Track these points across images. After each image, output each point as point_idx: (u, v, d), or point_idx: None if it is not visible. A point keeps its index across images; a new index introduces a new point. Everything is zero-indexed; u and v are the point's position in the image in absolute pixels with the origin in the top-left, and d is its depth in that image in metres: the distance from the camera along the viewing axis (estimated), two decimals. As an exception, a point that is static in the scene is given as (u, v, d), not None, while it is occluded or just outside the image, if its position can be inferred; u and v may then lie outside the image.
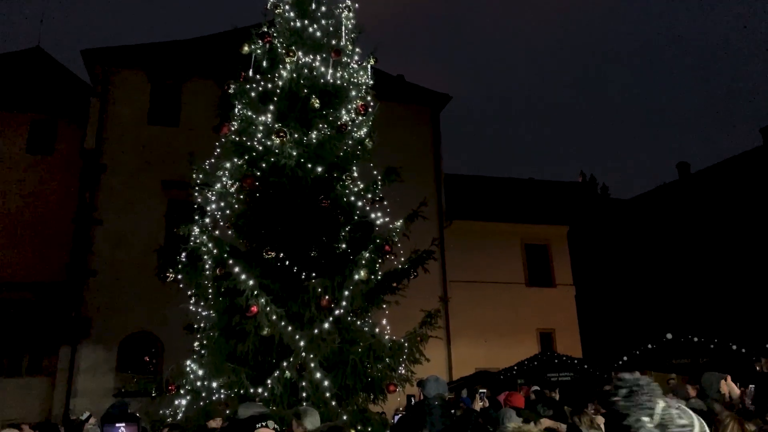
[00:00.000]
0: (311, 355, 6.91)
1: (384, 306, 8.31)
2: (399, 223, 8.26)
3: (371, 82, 9.08)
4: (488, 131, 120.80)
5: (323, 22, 8.97)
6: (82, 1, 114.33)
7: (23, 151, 20.19)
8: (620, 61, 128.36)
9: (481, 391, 8.52)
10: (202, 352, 7.79)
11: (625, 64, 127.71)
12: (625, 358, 14.88)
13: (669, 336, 14.11)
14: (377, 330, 7.92)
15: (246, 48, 8.62)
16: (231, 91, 8.56)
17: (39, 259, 19.27)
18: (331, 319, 7.21)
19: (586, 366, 16.85)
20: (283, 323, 6.90)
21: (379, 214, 8.35)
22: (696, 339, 13.67)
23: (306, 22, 8.86)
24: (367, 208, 8.44)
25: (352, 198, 8.34)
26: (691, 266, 25.51)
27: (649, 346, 14.55)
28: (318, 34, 8.84)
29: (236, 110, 8.48)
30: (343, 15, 9.06)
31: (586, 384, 15.38)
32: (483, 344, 20.91)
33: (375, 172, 8.84)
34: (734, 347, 12.69)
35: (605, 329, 25.90)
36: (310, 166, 7.99)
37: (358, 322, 7.90)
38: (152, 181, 18.34)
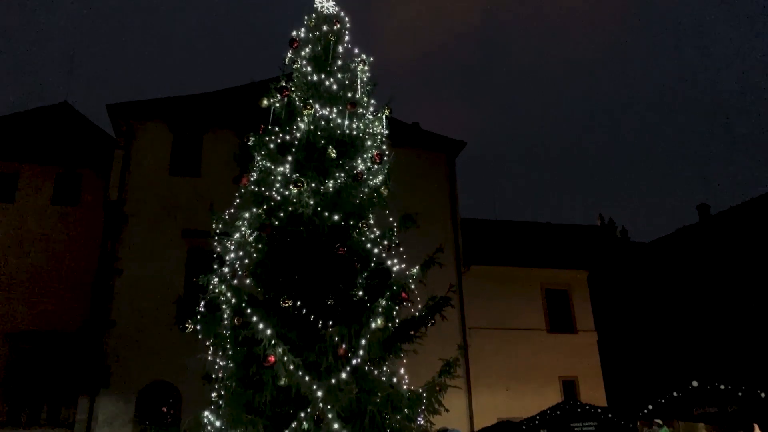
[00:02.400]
0: (329, 406, 6.84)
1: (401, 355, 8.23)
2: (415, 270, 8.26)
3: (386, 131, 9.28)
4: (505, 174, 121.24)
5: (339, 75, 9.25)
6: (108, 57, 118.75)
7: (49, 202, 20.71)
8: (638, 103, 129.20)
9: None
10: (220, 402, 7.75)
11: (643, 105, 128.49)
12: (650, 407, 14.49)
13: (695, 383, 13.75)
14: (395, 379, 7.83)
15: (265, 101, 8.89)
16: (250, 143, 8.79)
17: (60, 308, 19.51)
18: (348, 368, 7.16)
19: (610, 415, 16.40)
20: (300, 373, 6.87)
21: (395, 261, 8.37)
22: (723, 386, 13.29)
23: (323, 75, 9.14)
24: (384, 255, 8.47)
25: (369, 245, 8.39)
26: (716, 310, 24.96)
27: (675, 394, 14.17)
28: (334, 87, 9.10)
29: (255, 161, 8.69)
30: (358, 69, 9.35)
31: (611, 434, 14.93)
32: (504, 393, 20.50)
33: (391, 219, 8.92)
34: (763, 395, 12.31)
35: (629, 376, 25.26)
36: (327, 214, 8.10)
37: (376, 372, 7.82)
38: (173, 231, 18.62)
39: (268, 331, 6.88)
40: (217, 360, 8.04)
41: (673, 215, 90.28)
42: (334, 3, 9.82)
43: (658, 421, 14.68)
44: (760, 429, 10.79)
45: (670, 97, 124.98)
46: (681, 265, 27.67)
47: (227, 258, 8.16)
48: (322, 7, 9.73)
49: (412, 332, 8.25)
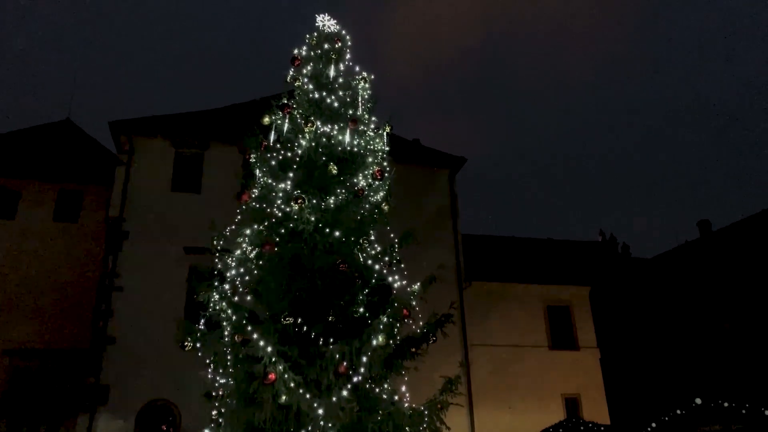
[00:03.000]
0: (330, 424, 6.80)
1: (403, 372, 8.19)
2: (417, 286, 8.25)
3: (387, 147, 9.32)
4: (506, 190, 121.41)
5: (341, 93, 9.32)
6: (111, 73, 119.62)
7: (50, 219, 20.72)
8: (639, 119, 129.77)
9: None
10: (220, 420, 7.69)
11: (643, 121, 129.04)
12: (653, 425, 14.36)
13: (698, 401, 13.64)
14: (396, 397, 7.79)
15: (267, 119, 8.95)
16: (252, 159, 8.82)
17: (60, 325, 19.44)
18: (349, 386, 7.12)
19: (614, 433, 16.24)
20: (301, 391, 6.83)
21: (396, 277, 8.36)
22: (726, 404, 13.18)
23: (324, 93, 9.22)
24: (385, 271, 8.45)
25: (370, 261, 8.39)
26: (718, 326, 24.84)
27: (678, 411, 14.05)
28: (336, 104, 9.17)
29: (257, 178, 8.72)
30: (359, 86, 9.43)
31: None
32: (507, 410, 20.32)
33: (392, 235, 8.92)
34: (767, 412, 12.20)
35: (632, 394, 25.05)
36: (328, 230, 8.11)
37: (377, 389, 7.77)
38: (174, 247, 18.59)
39: (269, 349, 6.85)
40: (217, 378, 8.00)
41: (674, 231, 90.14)
42: (335, 22, 9.93)
43: None
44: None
45: (671, 112, 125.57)
46: (682, 281, 27.59)
47: (228, 275, 8.15)
48: (324, 25, 9.83)
49: (414, 349, 8.22)
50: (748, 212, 29.38)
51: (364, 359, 7.20)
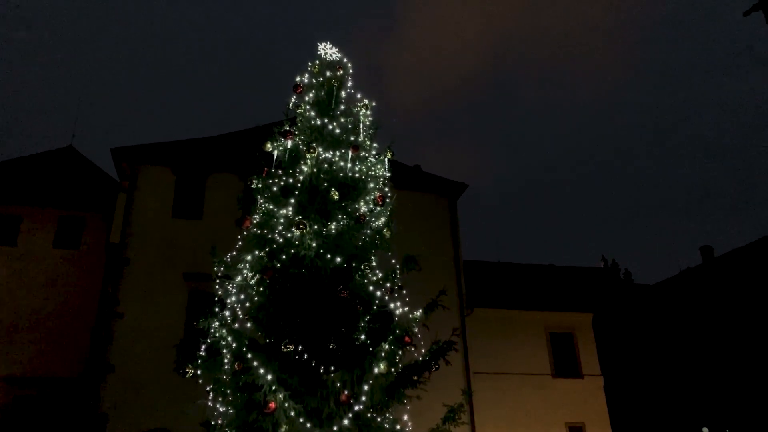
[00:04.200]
0: (331, 454, 6.68)
1: (405, 401, 8.07)
2: (419, 313, 8.18)
3: (389, 173, 9.34)
4: (508, 216, 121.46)
5: (342, 119, 9.39)
6: (113, 101, 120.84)
7: (50, 245, 20.69)
8: (641, 145, 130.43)
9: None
10: (219, 450, 7.56)
11: (645, 147, 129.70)
12: (661, 454, 14.09)
13: (706, 430, 13.41)
14: (398, 426, 7.66)
15: (269, 145, 9.00)
16: (253, 186, 8.83)
17: (59, 353, 19.27)
18: (350, 415, 7.01)
19: (620, 463, 15.95)
20: (301, 420, 6.73)
21: (398, 304, 8.29)
22: (735, 433, 12.96)
23: (326, 120, 9.28)
24: (386, 297, 8.39)
25: (371, 287, 8.33)
26: (722, 353, 24.58)
27: (686, 440, 13.80)
28: (337, 131, 9.22)
29: (258, 204, 8.72)
30: (360, 113, 9.49)
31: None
32: (510, 439, 20.00)
33: (394, 261, 8.88)
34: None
35: (638, 422, 24.68)
36: (329, 256, 8.07)
37: (379, 419, 7.65)
38: (174, 274, 18.53)
39: (269, 377, 6.77)
40: (217, 406, 7.88)
41: (676, 257, 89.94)
42: (337, 50, 10.04)
43: None
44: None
45: (673, 138, 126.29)
46: (685, 308, 27.40)
47: (228, 301, 8.09)
48: (326, 53, 9.94)
49: (416, 377, 8.10)
50: (751, 238, 29.34)
51: (366, 387, 7.10)
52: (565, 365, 22.39)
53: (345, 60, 9.93)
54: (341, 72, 9.74)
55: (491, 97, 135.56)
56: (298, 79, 9.67)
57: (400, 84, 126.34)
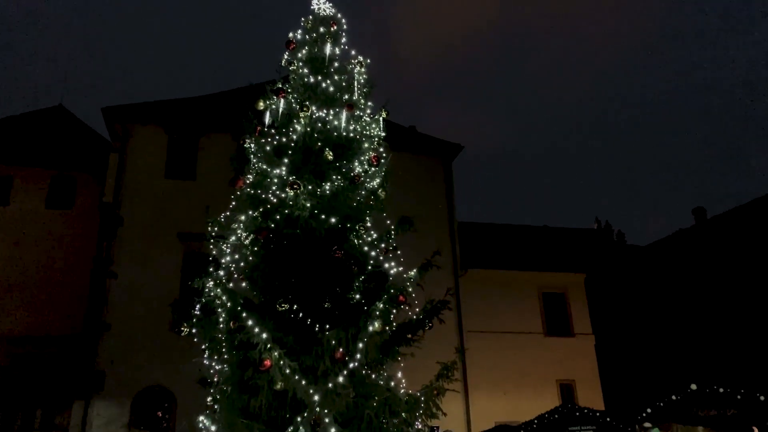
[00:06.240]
0: (326, 410, 6.77)
1: (399, 358, 8.17)
2: (413, 273, 8.21)
3: (383, 133, 9.23)
4: (502, 178, 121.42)
5: (336, 77, 9.21)
6: (103, 60, 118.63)
7: (43, 205, 20.59)
8: (635, 107, 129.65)
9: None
10: (215, 407, 7.66)
11: (640, 109, 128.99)
12: (648, 410, 14.44)
13: (694, 387, 13.72)
14: (392, 383, 7.77)
15: (261, 104, 8.83)
16: (246, 145, 8.72)
17: (54, 312, 19.39)
18: (345, 372, 7.09)
19: (608, 419, 16.35)
20: (296, 377, 6.80)
21: (392, 264, 8.31)
22: (722, 389, 13.25)
23: (319, 78, 9.10)
24: (381, 258, 8.41)
25: (366, 248, 8.33)
26: (713, 313, 24.97)
27: (674, 397, 14.12)
28: (331, 89, 9.05)
29: (251, 164, 8.62)
30: (355, 71, 9.31)
31: (609, 438, 14.88)
32: (502, 396, 20.43)
33: (388, 222, 8.86)
34: (762, 398, 12.27)
35: (627, 380, 25.21)
36: (323, 217, 8.04)
37: (373, 376, 7.75)
38: (169, 234, 18.52)
39: (264, 335, 6.81)
40: (213, 364, 7.96)
41: (669, 219, 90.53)
42: (330, 5, 9.79)
43: (647, 425, 14.67)
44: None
45: (667, 100, 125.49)
46: (677, 269, 27.69)
47: (223, 261, 8.09)
48: (319, 8, 9.69)
49: (410, 335, 8.18)
50: (743, 200, 29.45)
51: (361, 345, 7.16)
52: (557, 324, 22.72)
53: (339, 15, 9.70)
54: (335, 28, 9.52)
55: (496, 55, 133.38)
56: (291, 35, 9.44)
57: (404, 40, 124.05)
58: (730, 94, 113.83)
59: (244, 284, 8.18)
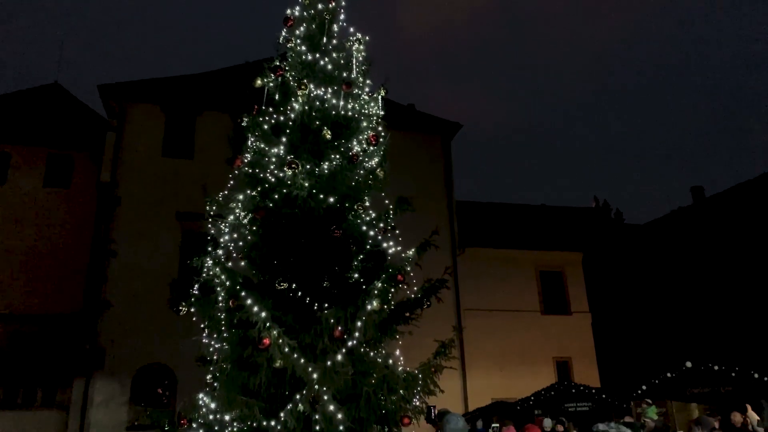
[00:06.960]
0: (324, 388, 6.83)
1: (397, 336, 8.22)
2: (411, 252, 8.22)
3: (382, 112, 9.16)
4: (500, 157, 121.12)
5: (334, 55, 9.10)
6: (99, 37, 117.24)
7: (40, 184, 20.53)
8: (634, 86, 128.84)
9: (494, 425, 8.35)
10: (215, 384, 7.73)
11: (638, 88, 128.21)
12: (644, 387, 14.60)
13: (688, 364, 13.85)
14: (391, 361, 7.82)
15: (258, 82, 8.75)
16: (244, 124, 8.66)
17: (54, 291, 19.45)
18: (344, 350, 7.14)
19: (604, 396, 16.54)
20: (295, 355, 6.84)
21: (391, 243, 8.32)
22: (716, 367, 13.39)
23: (317, 55, 9.00)
24: (380, 237, 8.39)
25: (364, 227, 8.32)
26: (709, 291, 25.12)
27: (668, 374, 14.27)
28: (329, 67, 8.95)
29: (249, 143, 8.57)
30: (353, 48, 9.19)
31: (604, 414, 15.06)
32: (499, 374, 20.65)
33: (387, 201, 8.84)
34: (756, 375, 12.40)
35: (623, 357, 25.46)
36: (322, 196, 8.02)
37: (372, 354, 7.80)
38: (167, 213, 18.52)
39: (263, 314, 6.83)
40: (212, 342, 8.00)
41: (667, 197, 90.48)
42: (329, -20, 9.61)
43: (648, 400, 14.84)
44: (752, 409, 10.89)
45: (666, 79, 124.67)
46: (675, 247, 27.78)
47: (221, 240, 8.09)
48: (317, -16, 9.53)
49: (408, 314, 8.23)
50: (741, 179, 29.42)
51: (359, 324, 7.20)
52: (554, 303, 22.88)
53: (337, -9, 9.54)
54: (333, 4, 9.38)
55: (497, 34, 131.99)
56: (288, 11, 9.31)
57: (406, 18, 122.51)
58: (730, 71, 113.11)
59: (242, 263, 8.19)
